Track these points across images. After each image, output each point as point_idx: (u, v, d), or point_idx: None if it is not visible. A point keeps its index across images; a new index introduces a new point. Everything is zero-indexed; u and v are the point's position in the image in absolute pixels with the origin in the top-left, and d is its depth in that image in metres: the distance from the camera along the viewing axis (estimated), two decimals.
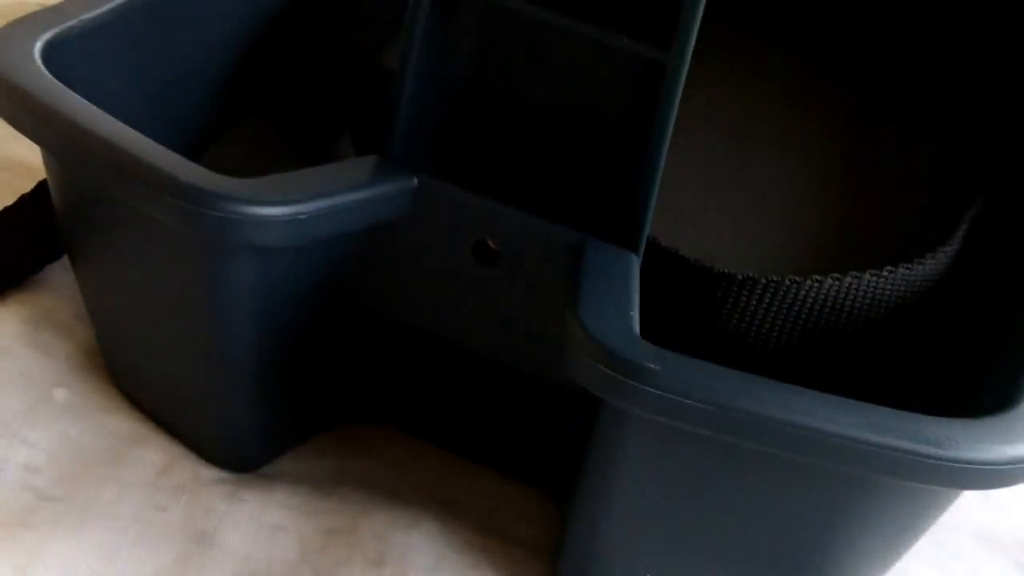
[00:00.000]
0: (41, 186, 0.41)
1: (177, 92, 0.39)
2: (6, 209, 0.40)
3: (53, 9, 0.35)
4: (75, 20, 0.35)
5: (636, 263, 0.31)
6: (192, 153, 0.33)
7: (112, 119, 0.31)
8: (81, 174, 0.32)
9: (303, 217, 0.30)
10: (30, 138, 0.31)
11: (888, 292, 0.34)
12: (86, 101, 0.31)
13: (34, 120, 0.31)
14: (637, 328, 0.28)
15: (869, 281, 0.34)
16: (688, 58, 0.29)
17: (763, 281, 0.33)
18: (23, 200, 0.40)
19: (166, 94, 0.39)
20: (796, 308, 0.33)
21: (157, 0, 0.37)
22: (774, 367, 0.32)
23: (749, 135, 0.41)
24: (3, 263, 0.38)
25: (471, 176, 0.31)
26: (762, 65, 0.43)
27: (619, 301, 0.29)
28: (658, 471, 0.29)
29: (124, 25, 0.36)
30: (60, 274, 0.39)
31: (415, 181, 0.31)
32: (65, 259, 0.39)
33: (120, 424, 0.35)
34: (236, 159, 0.40)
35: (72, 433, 0.35)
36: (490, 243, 0.32)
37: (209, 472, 0.35)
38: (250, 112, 0.43)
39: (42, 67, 0.33)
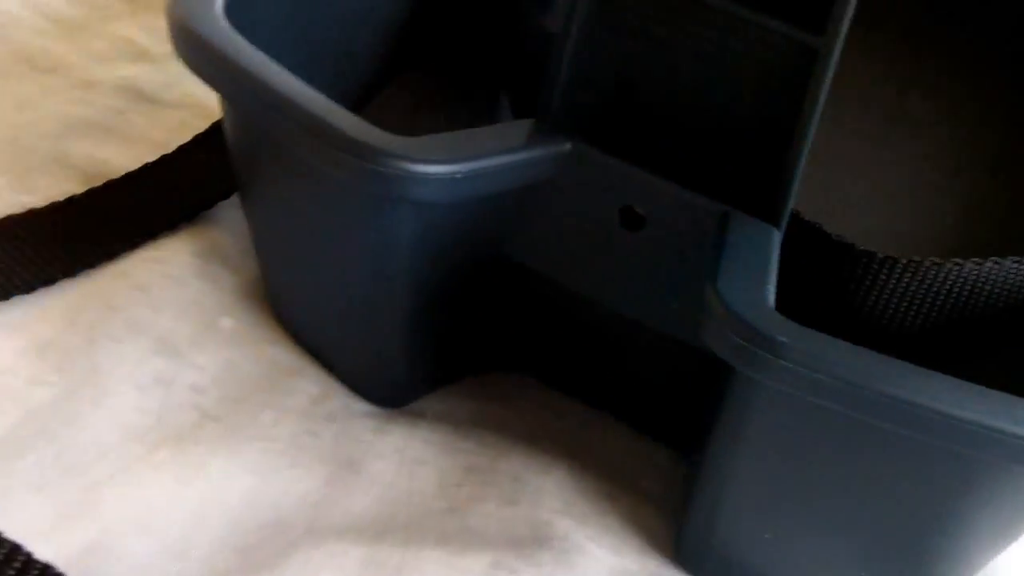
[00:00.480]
0: (215, 127, 0.43)
1: (343, 46, 0.41)
2: (182, 147, 0.43)
3: None
4: None
5: (777, 237, 0.32)
6: (354, 107, 0.35)
7: (288, 74, 0.33)
8: (255, 123, 0.35)
9: (460, 176, 0.31)
10: (211, 86, 0.33)
11: None
12: (264, 55, 0.33)
13: (215, 70, 0.33)
14: (773, 301, 0.29)
15: (1010, 268, 0.34)
16: (839, 44, 0.30)
17: (903, 262, 0.33)
18: (198, 139, 0.43)
19: (333, 48, 0.41)
20: (934, 290, 0.34)
21: None
22: (906, 348, 0.32)
23: (900, 116, 0.41)
24: (178, 198, 0.41)
25: (622, 144, 0.33)
26: (918, 48, 0.43)
27: (757, 274, 0.30)
28: (785, 441, 0.31)
29: None
30: (229, 211, 0.41)
31: (569, 146, 0.33)
32: (235, 197, 0.41)
33: (279, 354, 0.38)
34: (396, 115, 0.42)
35: (235, 359, 0.37)
36: (636, 208, 0.33)
37: (359, 405, 0.37)
38: (411, 69, 0.44)
39: (224, 19, 0.35)
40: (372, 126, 0.31)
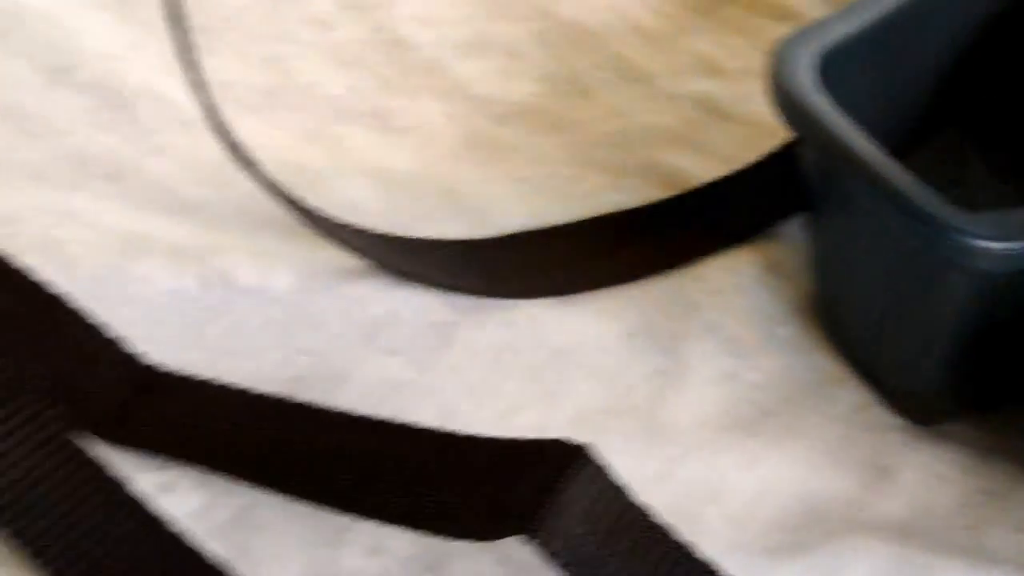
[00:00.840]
0: (785, 149, 0.49)
1: (899, 99, 0.46)
2: (754, 163, 0.49)
3: (823, 23, 0.43)
4: (844, 33, 0.43)
5: None
6: (901, 156, 0.40)
7: (867, 141, 0.39)
8: (833, 173, 0.41)
9: (1016, 252, 0.36)
10: (799, 134, 0.40)
11: None
12: (847, 118, 0.39)
13: (805, 124, 0.40)
14: None
15: None
16: None
17: None
18: (768, 158, 0.49)
19: (892, 101, 0.46)
20: None
21: (910, 10, 0.44)
22: None
23: None
24: (748, 212, 0.48)
25: None
26: None
27: None
28: None
29: (879, 34, 0.44)
30: (792, 229, 0.48)
31: None
32: (799, 217, 0.47)
33: (827, 364, 0.44)
34: (933, 170, 0.47)
35: (790, 364, 0.44)
36: None
37: (893, 419, 0.43)
38: (951, 124, 0.48)
39: (815, 78, 0.41)
40: (938, 198, 0.37)
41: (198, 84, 0.42)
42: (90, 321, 0.41)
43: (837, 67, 0.42)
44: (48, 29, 0.52)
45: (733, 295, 0.46)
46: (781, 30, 0.54)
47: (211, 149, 0.45)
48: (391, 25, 0.55)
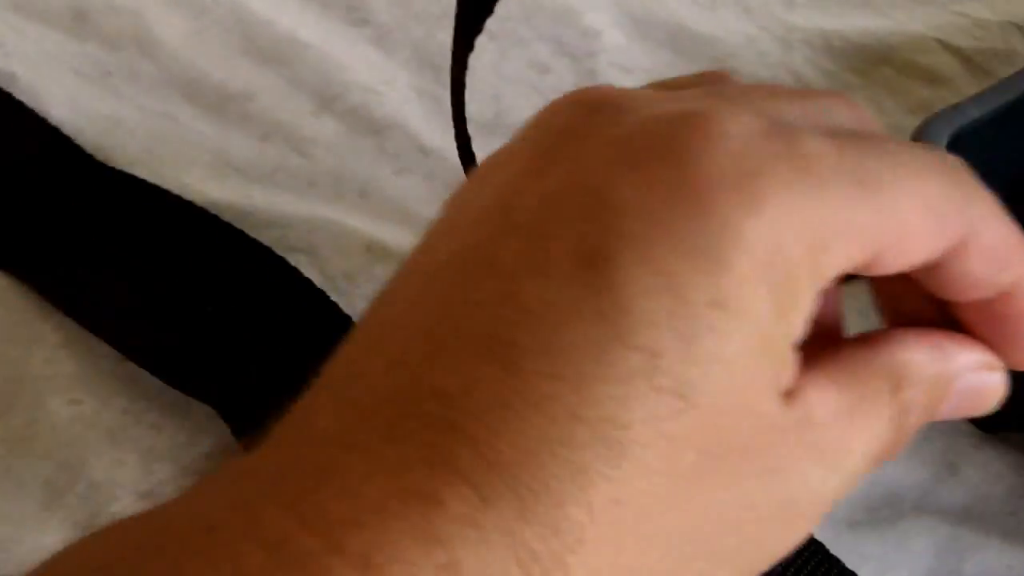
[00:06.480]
0: None
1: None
2: None
3: (958, 106, 0.52)
4: (975, 115, 0.51)
5: None
6: None
7: None
8: None
9: None
10: None
11: None
12: None
13: None
14: None
15: None
16: None
17: None
18: None
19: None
20: None
21: None
22: None
23: None
24: None
25: None
26: None
27: None
28: None
29: (1007, 119, 0.51)
30: None
31: None
32: None
33: None
34: None
35: None
36: None
37: (965, 426, 0.53)
38: None
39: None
40: None
41: (458, 115, 0.53)
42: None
43: (970, 148, 0.47)
44: (319, 61, 0.66)
45: None
46: (928, 93, 0.64)
47: (444, 171, 0.57)
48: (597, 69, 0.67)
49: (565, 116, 0.29)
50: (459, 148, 0.55)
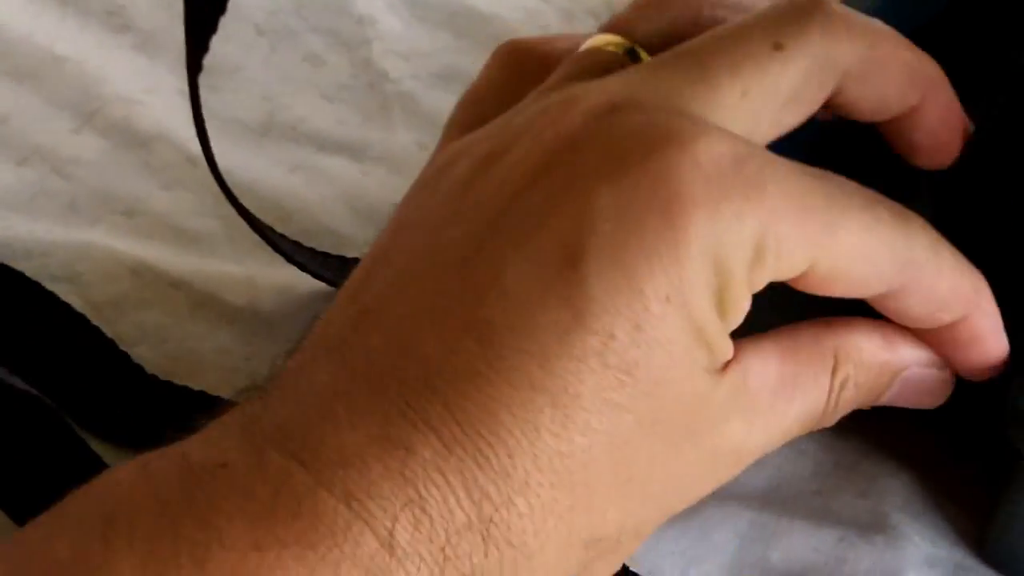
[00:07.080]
0: None
1: None
2: None
3: None
4: None
5: None
6: None
7: None
8: None
9: None
10: None
11: None
12: None
13: None
14: None
15: None
16: None
17: None
18: None
19: None
20: None
21: None
22: None
23: None
24: None
25: None
26: None
27: None
28: None
29: None
30: None
31: None
32: None
33: None
34: None
35: None
36: None
37: None
38: None
39: None
40: None
41: (198, 121, 0.50)
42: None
43: None
44: (78, 75, 0.62)
45: None
46: None
47: (214, 182, 0.54)
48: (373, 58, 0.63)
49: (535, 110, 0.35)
50: (207, 161, 0.51)
